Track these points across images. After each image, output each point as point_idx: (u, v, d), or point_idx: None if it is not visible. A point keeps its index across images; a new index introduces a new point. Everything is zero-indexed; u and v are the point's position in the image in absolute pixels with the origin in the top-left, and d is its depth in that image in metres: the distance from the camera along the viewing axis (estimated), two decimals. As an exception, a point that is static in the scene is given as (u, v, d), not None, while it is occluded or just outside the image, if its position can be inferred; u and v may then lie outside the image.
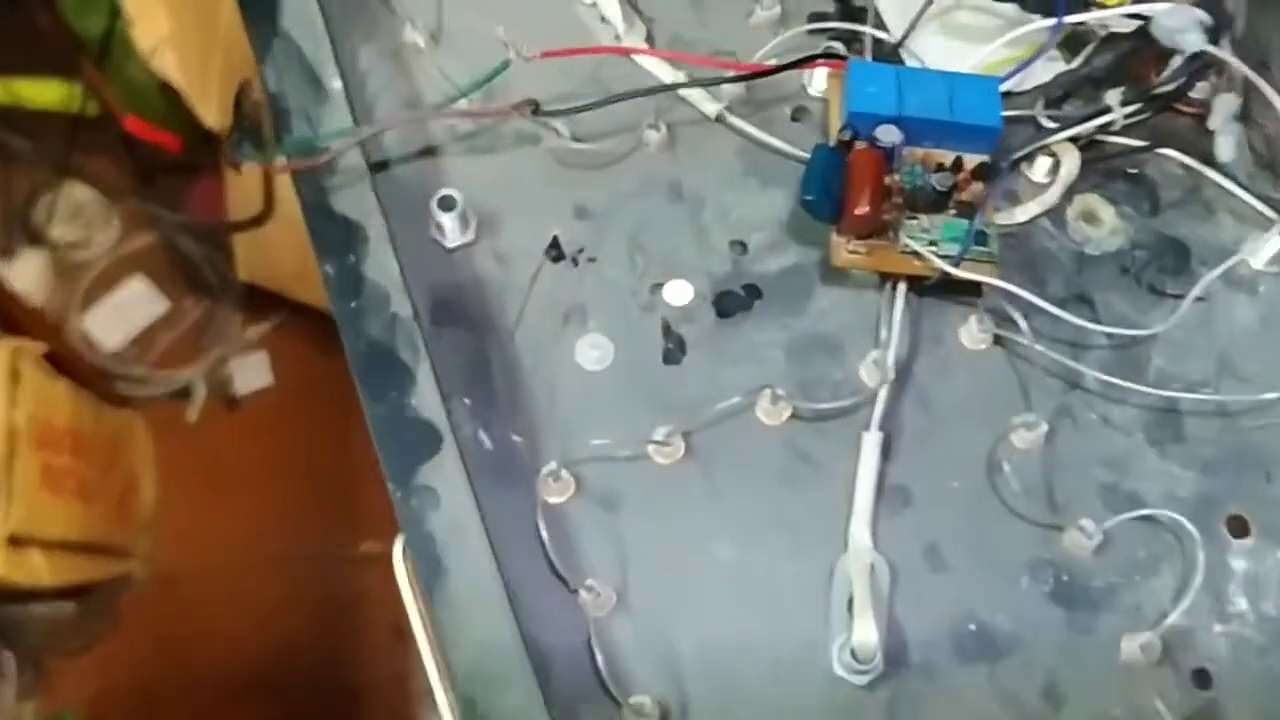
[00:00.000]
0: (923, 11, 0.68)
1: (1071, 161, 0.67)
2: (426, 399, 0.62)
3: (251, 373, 1.59)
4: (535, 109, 0.62)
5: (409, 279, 0.62)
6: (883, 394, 0.61)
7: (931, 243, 0.61)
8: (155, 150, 1.55)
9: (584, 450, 0.60)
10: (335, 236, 0.63)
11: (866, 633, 0.56)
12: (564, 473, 0.59)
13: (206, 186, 1.63)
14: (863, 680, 0.57)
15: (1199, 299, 0.64)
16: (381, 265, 0.62)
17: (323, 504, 1.53)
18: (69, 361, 1.41)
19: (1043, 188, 0.67)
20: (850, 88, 0.62)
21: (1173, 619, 0.57)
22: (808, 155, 0.62)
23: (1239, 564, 0.60)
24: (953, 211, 0.62)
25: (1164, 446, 0.62)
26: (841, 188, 0.60)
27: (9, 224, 1.61)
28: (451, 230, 0.64)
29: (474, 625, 0.58)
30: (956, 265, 0.61)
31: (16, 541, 1.22)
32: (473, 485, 0.60)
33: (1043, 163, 0.67)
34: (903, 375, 0.63)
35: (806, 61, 0.66)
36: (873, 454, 0.61)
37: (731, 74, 0.67)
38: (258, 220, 1.37)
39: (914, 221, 0.62)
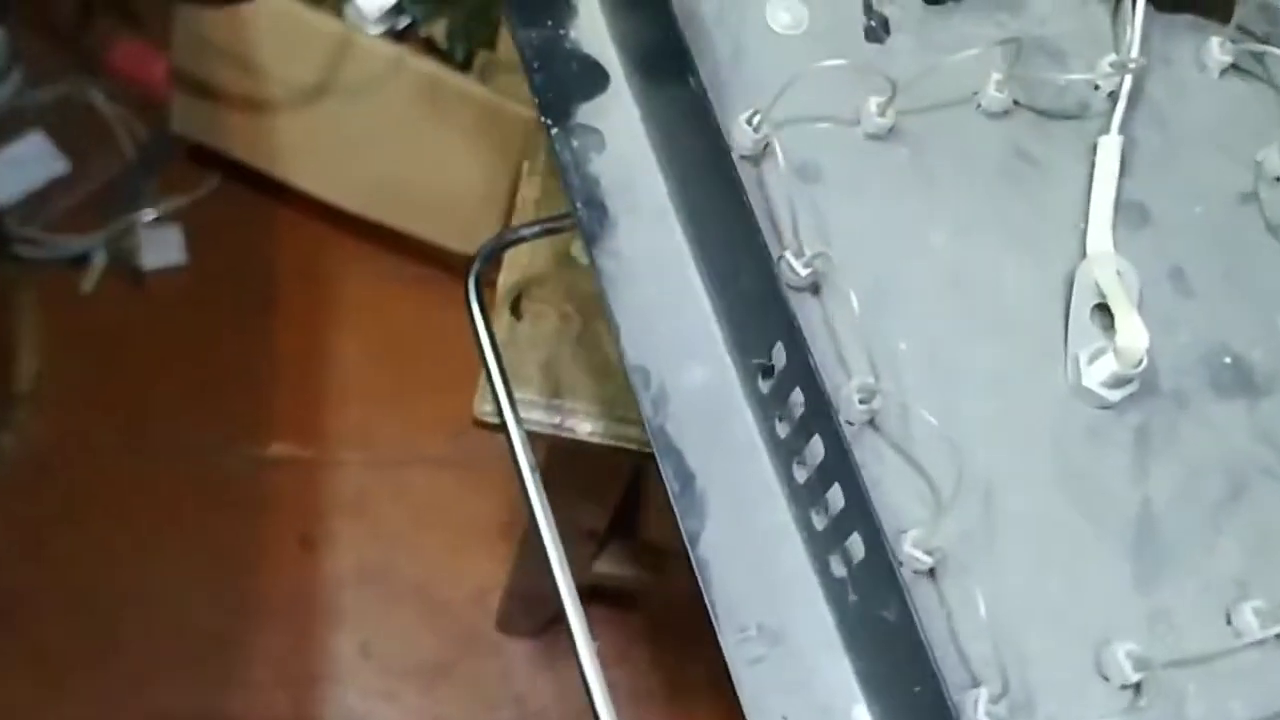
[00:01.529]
0: None
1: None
2: (589, 33, 0.50)
3: (162, 247, 1.41)
4: None
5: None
6: (1124, 93, 0.52)
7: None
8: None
9: (779, 109, 0.48)
10: None
11: (1134, 333, 0.46)
12: (760, 123, 0.48)
13: (130, 49, 1.47)
14: (1117, 395, 0.47)
15: None
16: None
17: (227, 398, 1.36)
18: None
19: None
20: None
21: None
22: None
23: None
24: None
25: None
26: None
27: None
28: None
29: (646, 286, 0.46)
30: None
31: None
32: (650, 132, 0.48)
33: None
34: (1134, 92, 0.54)
35: None
36: (1113, 157, 0.52)
37: None
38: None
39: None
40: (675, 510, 0.43)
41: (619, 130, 0.49)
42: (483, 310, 0.61)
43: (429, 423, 1.35)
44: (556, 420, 0.69)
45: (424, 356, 1.35)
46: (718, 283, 0.46)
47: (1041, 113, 0.53)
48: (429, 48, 1.30)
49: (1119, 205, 0.51)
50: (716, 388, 0.45)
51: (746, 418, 0.45)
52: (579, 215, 0.47)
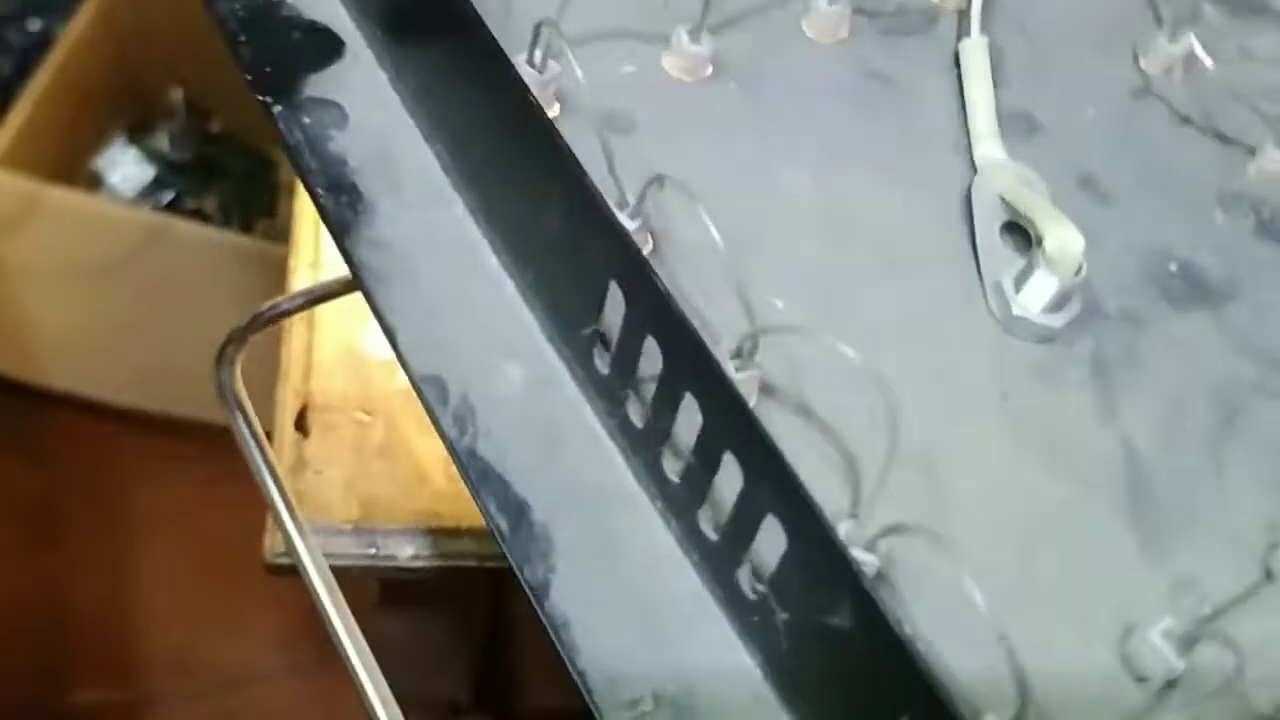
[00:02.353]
0: None
1: None
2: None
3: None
4: None
5: None
6: (978, -9, 0.43)
7: None
8: None
9: (588, 66, 0.37)
10: None
11: (1065, 233, 0.36)
12: (546, 61, 0.37)
13: None
14: (1060, 319, 0.36)
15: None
16: None
17: (14, 649, 1.17)
18: None
19: None
20: None
21: None
22: None
23: None
24: None
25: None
26: None
27: None
28: None
29: (425, 278, 0.34)
30: None
31: None
32: (407, 98, 0.37)
33: None
34: (989, 4, 0.45)
35: None
36: (981, 58, 0.42)
37: None
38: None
39: None
40: (510, 558, 0.30)
41: (364, 101, 0.38)
42: (248, 423, 0.48)
43: (259, 631, 1.18)
44: (370, 549, 0.56)
45: (240, 557, 1.18)
46: (522, 257, 0.35)
47: (886, 33, 0.44)
48: (200, 219, 1.18)
49: (1001, 117, 0.41)
50: (540, 386, 0.33)
51: (587, 415, 0.33)
52: (322, 203, 0.35)
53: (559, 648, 0.29)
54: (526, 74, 0.37)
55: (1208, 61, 0.44)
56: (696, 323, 0.28)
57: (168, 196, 1.24)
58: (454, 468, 0.32)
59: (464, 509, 0.58)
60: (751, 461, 0.27)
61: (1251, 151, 0.43)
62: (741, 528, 0.28)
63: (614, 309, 0.31)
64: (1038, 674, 0.29)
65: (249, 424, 0.48)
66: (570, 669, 0.29)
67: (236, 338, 0.48)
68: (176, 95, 1.35)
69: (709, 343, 0.28)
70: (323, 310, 0.62)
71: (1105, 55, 0.45)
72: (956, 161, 0.40)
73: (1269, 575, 0.33)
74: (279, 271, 1.00)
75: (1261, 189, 0.42)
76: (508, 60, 0.33)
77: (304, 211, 0.70)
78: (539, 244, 0.34)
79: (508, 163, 0.34)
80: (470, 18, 0.33)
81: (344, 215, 0.35)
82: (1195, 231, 0.41)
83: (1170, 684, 0.31)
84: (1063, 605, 0.32)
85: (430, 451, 0.60)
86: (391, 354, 0.33)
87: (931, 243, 0.38)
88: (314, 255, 0.67)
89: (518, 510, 0.31)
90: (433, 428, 0.32)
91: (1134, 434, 0.35)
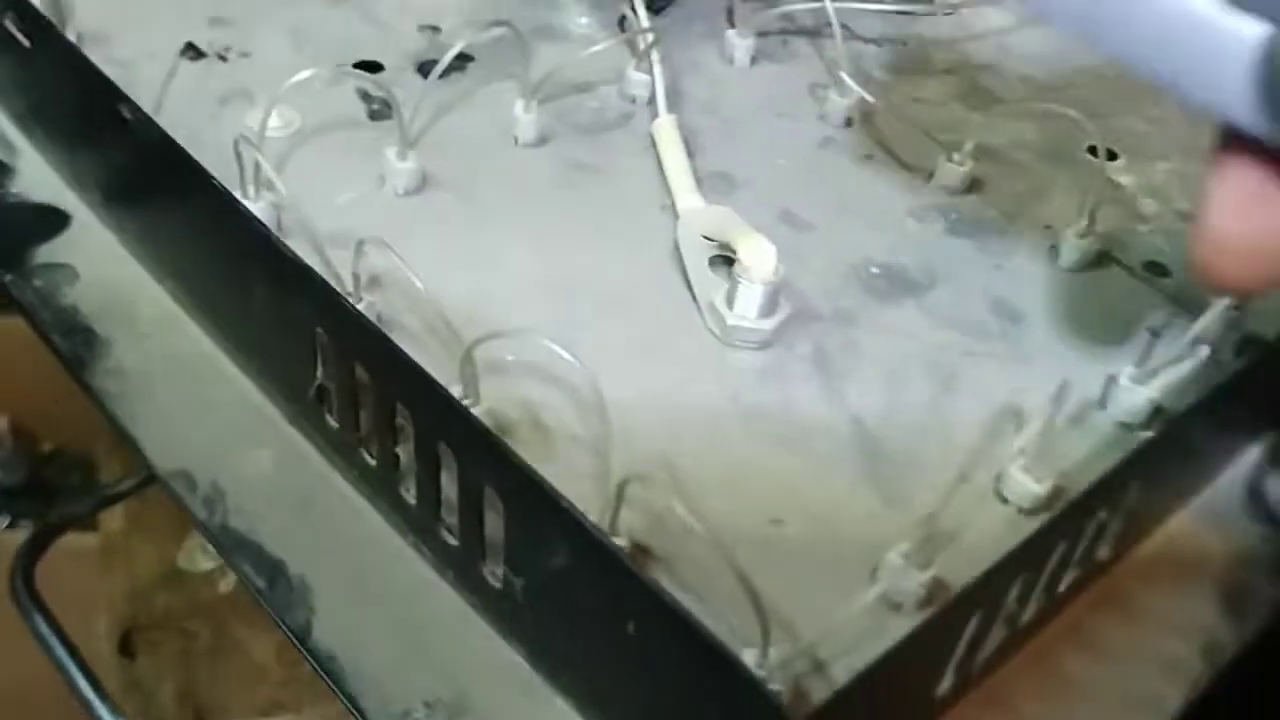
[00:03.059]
0: None
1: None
2: (36, 184, 0.42)
3: None
4: None
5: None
6: (659, 75, 0.48)
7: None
8: None
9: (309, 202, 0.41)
10: None
11: (756, 245, 0.39)
12: (261, 192, 0.40)
13: None
14: (770, 322, 0.39)
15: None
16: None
17: None
18: None
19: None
20: None
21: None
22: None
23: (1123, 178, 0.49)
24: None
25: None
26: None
27: None
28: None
29: (166, 393, 0.36)
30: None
31: None
32: (141, 250, 0.40)
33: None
34: (675, 95, 0.50)
35: None
36: (671, 129, 0.47)
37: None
38: None
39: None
40: (271, 613, 0.31)
41: (93, 258, 0.40)
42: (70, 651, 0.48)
43: None
44: (214, 751, 0.54)
45: None
46: (258, 358, 0.36)
47: (586, 132, 0.48)
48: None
49: (701, 180, 0.45)
50: (289, 463, 0.35)
51: (336, 480, 0.34)
52: (58, 347, 0.37)
53: (327, 680, 0.30)
54: (250, 205, 0.39)
55: (880, 107, 0.49)
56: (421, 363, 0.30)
57: (4, 522, 1.22)
58: (293, 653, 0.33)
59: (307, 693, 0.57)
60: (467, 453, 0.29)
61: (931, 174, 0.47)
62: (471, 513, 0.29)
63: (322, 340, 0.32)
64: (796, 616, 0.31)
65: (75, 658, 0.47)
66: (340, 696, 0.29)
67: (28, 551, 0.48)
68: (1, 423, 1.35)
69: (429, 374, 0.29)
70: (138, 536, 0.62)
71: (791, 119, 0.50)
72: (665, 219, 0.44)
73: (1002, 499, 0.36)
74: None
75: (945, 200, 0.47)
76: (232, 198, 0.35)
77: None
78: (274, 344, 0.36)
79: (237, 282, 0.36)
80: (191, 168, 0.35)
81: (79, 353, 0.37)
82: (892, 240, 0.45)
83: (922, 604, 0.32)
84: (815, 558, 0.34)
85: (265, 646, 0.59)
86: (212, 563, 0.35)
87: (650, 286, 0.41)
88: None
89: (273, 568, 0.32)
90: (267, 619, 0.33)
91: (861, 410, 0.38)
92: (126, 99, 0.37)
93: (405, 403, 0.30)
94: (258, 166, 0.38)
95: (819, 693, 0.30)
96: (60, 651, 0.47)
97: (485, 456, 0.28)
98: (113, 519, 0.63)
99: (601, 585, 0.27)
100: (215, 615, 0.59)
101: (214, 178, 0.35)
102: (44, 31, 0.39)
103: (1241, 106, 0.20)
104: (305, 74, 0.41)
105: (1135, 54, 0.21)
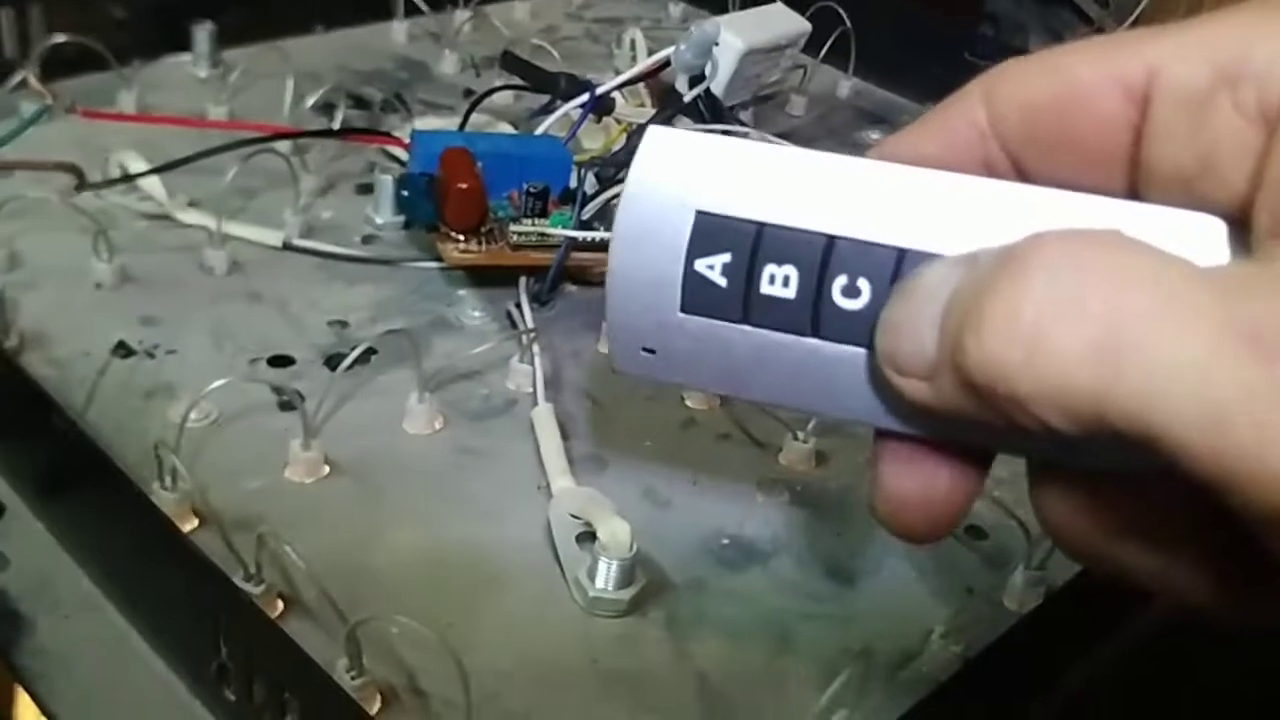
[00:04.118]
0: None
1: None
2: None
3: None
4: (80, 181, 0.55)
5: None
6: (538, 365, 0.55)
7: (541, 234, 0.59)
8: None
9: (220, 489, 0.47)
10: None
11: (613, 526, 0.45)
12: (176, 484, 0.46)
13: None
14: (628, 592, 0.45)
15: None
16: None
17: None
18: None
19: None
20: (417, 143, 0.62)
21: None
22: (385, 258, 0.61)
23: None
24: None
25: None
26: (438, 192, 0.58)
27: None
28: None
29: (85, 673, 0.41)
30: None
31: None
32: (65, 538, 0.45)
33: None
34: (556, 381, 0.57)
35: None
36: (548, 418, 0.53)
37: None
38: None
39: (520, 224, 0.60)
40: None
41: (23, 546, 0.45)
42: None
43: None
44: None
45: None
46: (163, 634, 0.41)
47: (475, 418, 0.54)
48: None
49: (574, 461, 0.51)
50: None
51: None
52: (-14, 630, 0.41)
53: None
54: (160, 497, 0.45)
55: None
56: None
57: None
58: None
59: None
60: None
61: (779, 449, 0.54)
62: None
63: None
64: None
65: None
66: None
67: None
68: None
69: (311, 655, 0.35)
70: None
71: (658, 402, 0.57)
72: (540, 499, 0.50)
73: (828, 751, 0.40)
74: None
75: (789, 474, 0.53)
76: (145, 494, 0.40)
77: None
78: (177, 622, 0.40)
79: (149, 569, 0.42)
80: (110, 469, 0.41)
81: (6, 635, 0.41)
82: (741, 512, 0.50)
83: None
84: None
85: None
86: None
87: (524, 561, 0.47)
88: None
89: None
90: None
91: (705, 667, 0.43)
92: (58, 408, 0.43)
93: (290, 682, 0.35)
94: (175, 464, 0.44)
95: None
96: None
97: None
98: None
99: None
100: None
101: (130, 476, 0.40)
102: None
103: (873, 412, 0.26)
104: (220, 382, 0.47)
105: (776, 395, 0.27)
